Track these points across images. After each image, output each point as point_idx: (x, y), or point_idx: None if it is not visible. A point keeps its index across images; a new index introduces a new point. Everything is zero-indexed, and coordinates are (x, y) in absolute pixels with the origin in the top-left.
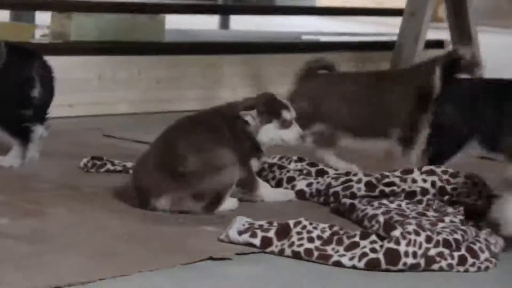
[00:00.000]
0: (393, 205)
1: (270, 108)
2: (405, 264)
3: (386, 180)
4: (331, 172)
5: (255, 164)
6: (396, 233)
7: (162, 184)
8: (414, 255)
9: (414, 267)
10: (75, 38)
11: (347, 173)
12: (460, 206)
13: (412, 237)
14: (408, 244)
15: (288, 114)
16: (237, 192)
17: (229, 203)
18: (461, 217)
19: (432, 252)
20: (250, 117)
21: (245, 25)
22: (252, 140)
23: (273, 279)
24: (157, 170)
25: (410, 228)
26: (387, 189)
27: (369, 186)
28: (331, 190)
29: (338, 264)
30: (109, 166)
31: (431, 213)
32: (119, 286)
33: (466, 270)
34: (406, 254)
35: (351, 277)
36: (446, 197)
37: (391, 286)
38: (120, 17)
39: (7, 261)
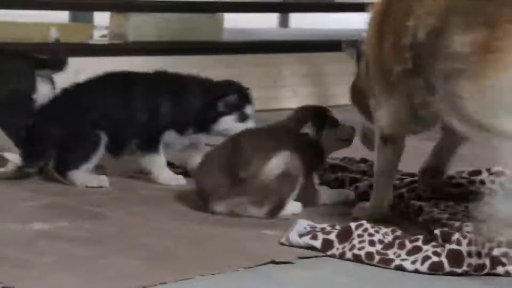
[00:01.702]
0: (460, 208)
1: (320, 115)
2: (469, 265)
3: (453, 181)
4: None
5: (315, 179)
6: (456, 236)
7: (223, 188)
8: (478, 255)
9: (479, 269)
10: (133, 39)
11: (412, 175)
12: None
13: (473, 236)
14: (469, 244)
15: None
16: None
17: (293, 206)
18: None
19: (496, 252)
20: (307, 128)
21: (305, 23)
22: (317, 149)
23: (336, 283)
24: (219, 173)
25: (469, 228)
26: (454, 191)
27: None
28: (396, 192)
29: (400, 268)
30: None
31: None
32: None
33: None
34: (470, 254)
35: (413, 282)
36: None
37: None
38: (178, 16)
39: (66, 264)
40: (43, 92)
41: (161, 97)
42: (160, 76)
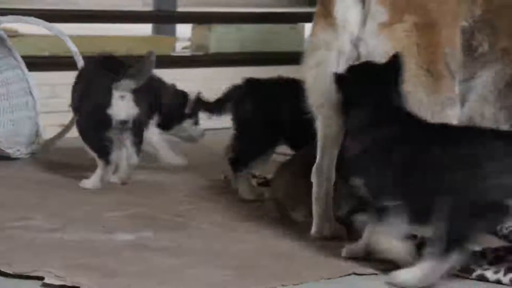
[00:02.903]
0: None
1: None
2: None
3: None
4: None
5: None
6: None
7: (298, 197)
8: None
9: None
10: (215, 50)
11: None
12: None
13: None
14: None
15: None
16: None
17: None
18: None
19: None
20: None
21: None
22: None
23: None
24: (294, 182)
25: None
26: None
27: None
28: None
29: (481, 278)
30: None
31: None
32: None
33: None
34: None
35: None
36: None
37: None
38: (260, 27)
39: (151, 274)
40: (118, 107)
41: None
42: None
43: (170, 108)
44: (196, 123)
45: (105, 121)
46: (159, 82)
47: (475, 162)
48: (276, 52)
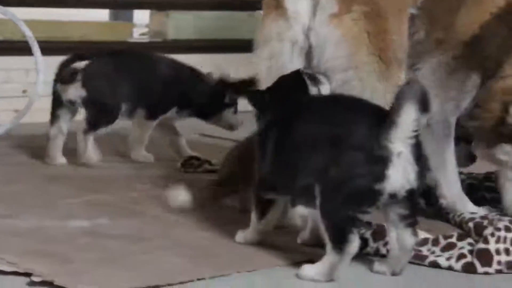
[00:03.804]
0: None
1: None
2: (499, 262)
3: (488, 184)
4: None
5: None
6: (488, 231)
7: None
8: (507, 252)
9: (511, 266)
10: (172, 37)
11: None
12: None
13: (502, 234)
14: (497, 241)
15: None
16: None
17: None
18: None
19: None
20: None
21: None
22: None
23: (372, 279)
24: (228, 168)
25: (501, 224)
26: (488, 195)
27: (471, 188)
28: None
29: (434, 264)
30: (206, 166)
31: None
32: (217, 286)
33: None
34: (498, 251)
35: (448, 279)
36: None
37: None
38: (218, 14)
39: (107, 260)
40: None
41: None
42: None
43: (209, 97)
44: (235, 111)
45: (56, 97)
46: (190, 74)
47: (337, 151)
48: (234, 39)
